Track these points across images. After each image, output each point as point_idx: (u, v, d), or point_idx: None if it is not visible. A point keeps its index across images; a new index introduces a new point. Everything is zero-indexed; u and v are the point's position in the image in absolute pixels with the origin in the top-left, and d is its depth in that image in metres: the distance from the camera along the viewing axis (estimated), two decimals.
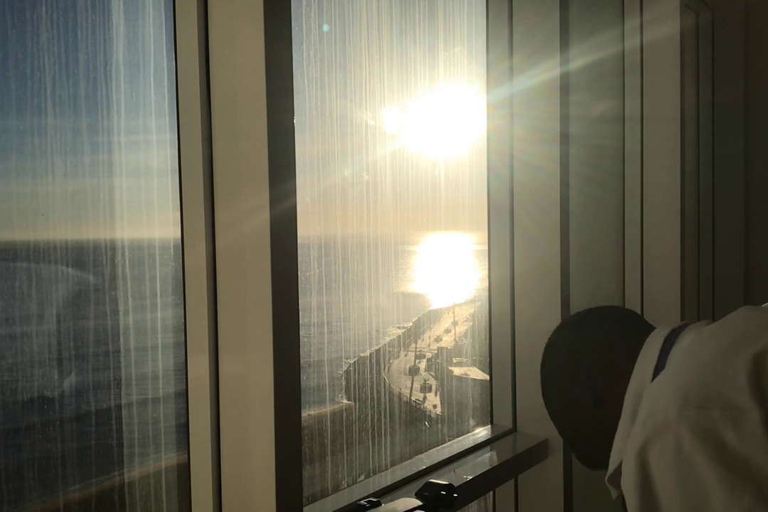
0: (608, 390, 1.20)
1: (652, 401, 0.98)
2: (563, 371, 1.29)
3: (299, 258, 1.21)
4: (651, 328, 1.24)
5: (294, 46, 1.21)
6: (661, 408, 0.93)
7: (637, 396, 1.10)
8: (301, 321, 1.23)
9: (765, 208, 3.43)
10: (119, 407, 1.25)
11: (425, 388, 1.93)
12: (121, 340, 1.26)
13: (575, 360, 1.27)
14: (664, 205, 2.63)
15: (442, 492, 1.42)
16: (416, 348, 1.93)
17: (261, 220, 1.16)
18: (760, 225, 3.44)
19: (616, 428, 1.14)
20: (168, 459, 1.32)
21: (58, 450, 1.16)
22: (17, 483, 1.13)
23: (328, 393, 1.61)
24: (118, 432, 1.25)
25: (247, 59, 1.16)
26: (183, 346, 1.27)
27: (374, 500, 1.36)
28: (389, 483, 1.59)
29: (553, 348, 1.35)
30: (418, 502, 1.37)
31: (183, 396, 1.28)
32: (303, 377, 1.30)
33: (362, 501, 1.36)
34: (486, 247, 2.06)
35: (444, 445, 1.89)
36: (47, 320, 1.17)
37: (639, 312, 2.65)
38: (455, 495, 1.43)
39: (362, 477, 1.64)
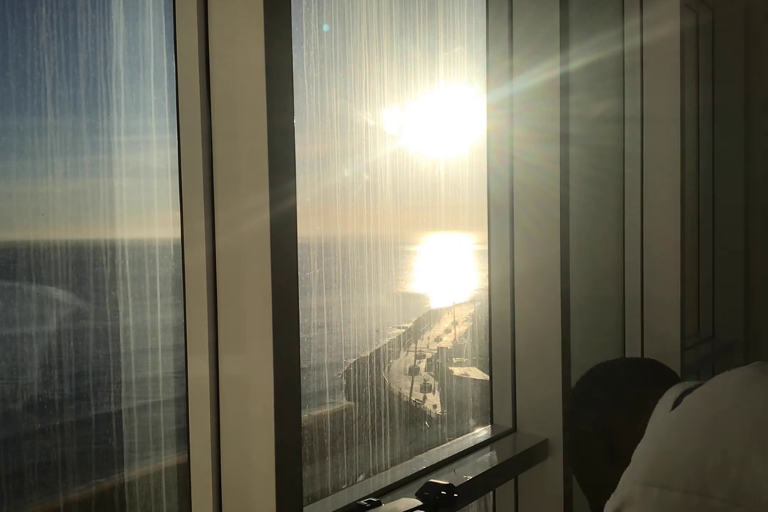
0: (624, 446, 1.16)
1: (628, 469, 0.95)
2: (583, 427, 1.29)
3: (299, 259, 1.21)
4: (672, 381, 1.21)
5: (294, 46, 1.21)
6: (630, 481, 0.91)
7: None
8: (300, 321, 1.23)
9: (765, 208, 3.43)
10: (119, 407, 1.25)
11: (425, 388, 1.93)
12: (121, 341, 1.26)
13: (593, 414, 1.27)
14: (664, 205, 2.63)
15: (443, 492, 1.42)
16: (416, 348, 1.93)
17: (261, 220, 1.16)
18: (760, 225, 3.44)
19: None
20: (168, 459, 1.32)
21: (58, 449, 1.16)
22: (17, 483, 1.13)
23: (327, 392, 1.61)
24: (118, 433, 1.25)
25: (247, 59, 1.16)
26: (183, 347, 1.27)
27: (374, 500, 1.36)
28: (389, 483, 1.59)
29: (577, 407, 1.35)
30: (419, 502, 1.37)
31: (183, 396, 1.28)
32: (303, 377, 1.30)
33: (362, 501, 1.36)
34: (486, 247, 2.06)
35: (444, 445, 1.89)
36: (47, 320, 1.17)
37: (639, 312, 2.65)
38: (455, 495, 1.43)
39: (362, 477, 1.64)
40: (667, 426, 0.99)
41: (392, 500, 1.41)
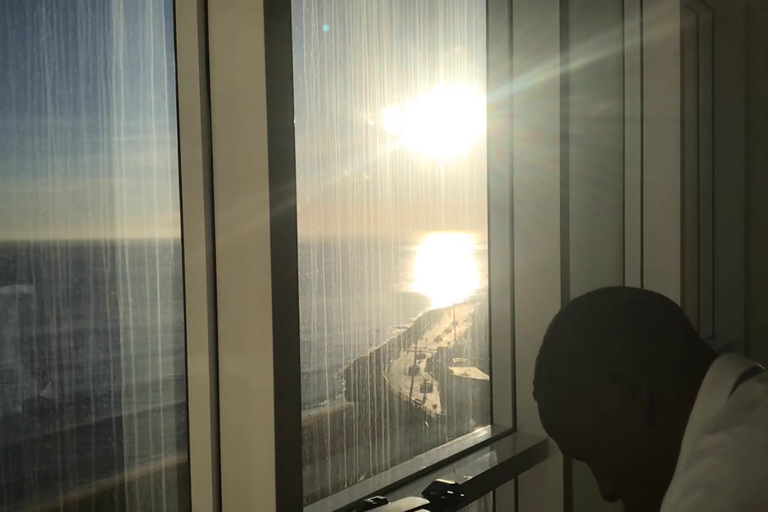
0: (664, 400, 0.96)
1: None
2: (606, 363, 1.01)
3: (299, 259, 1.21)
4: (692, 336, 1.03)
5: (294, 46, 1.21)
6: None
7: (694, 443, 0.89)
8: (300, 321, 1.23)
9: (765, 207, 3.43)
10: (119, 406, 1.25)
11: (425, 388, 1.93)
12: (121, 340, 1.26)
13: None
14: (664, 205, 2.63)
15: (449, 492, 1.41)
16: (416, 348, 1.93)
17: (261, 220, 1.16)
18: (760, 225, 3.44)
19: (667, 463, 0.92)
20: (168, 459, 1.32)
21: (58, 448, 1.16)
22: (18, 484, 1.13)
23: (327, 393, 1.61)
24: (118, 434, 1.25)
25: (247, 59, 1.16)
26: (183, 346, 1.27)
27: (381, 498, 1.35)
28: (389, 484, 1.59)
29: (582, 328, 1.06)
30: (425, 501, 1.36)
31: (183, 396, 1.28)
32: (302, 378, 1.30)
33: (369, 499, 1.35)
34: (486, 247, 2.06)
35: (444, 445, 1.89)
36: (47, 320, 1.17)
37: None
38: (462, 495, 1.42)
39: (362, 477, 1.64)
40: (718, 491, 0.81)
41: (392, 500, 1.41)
